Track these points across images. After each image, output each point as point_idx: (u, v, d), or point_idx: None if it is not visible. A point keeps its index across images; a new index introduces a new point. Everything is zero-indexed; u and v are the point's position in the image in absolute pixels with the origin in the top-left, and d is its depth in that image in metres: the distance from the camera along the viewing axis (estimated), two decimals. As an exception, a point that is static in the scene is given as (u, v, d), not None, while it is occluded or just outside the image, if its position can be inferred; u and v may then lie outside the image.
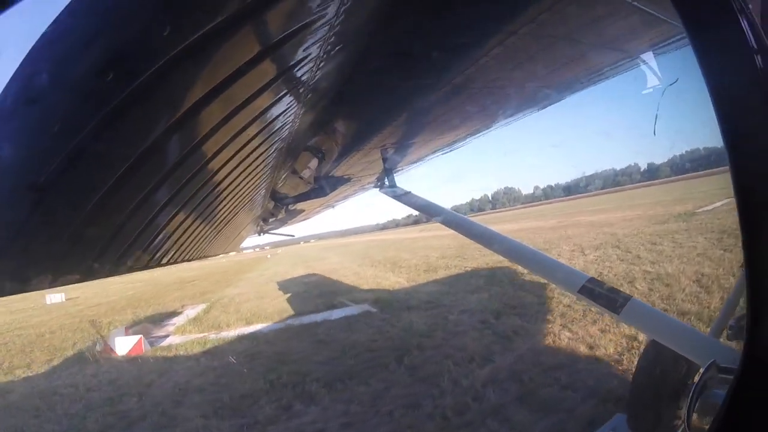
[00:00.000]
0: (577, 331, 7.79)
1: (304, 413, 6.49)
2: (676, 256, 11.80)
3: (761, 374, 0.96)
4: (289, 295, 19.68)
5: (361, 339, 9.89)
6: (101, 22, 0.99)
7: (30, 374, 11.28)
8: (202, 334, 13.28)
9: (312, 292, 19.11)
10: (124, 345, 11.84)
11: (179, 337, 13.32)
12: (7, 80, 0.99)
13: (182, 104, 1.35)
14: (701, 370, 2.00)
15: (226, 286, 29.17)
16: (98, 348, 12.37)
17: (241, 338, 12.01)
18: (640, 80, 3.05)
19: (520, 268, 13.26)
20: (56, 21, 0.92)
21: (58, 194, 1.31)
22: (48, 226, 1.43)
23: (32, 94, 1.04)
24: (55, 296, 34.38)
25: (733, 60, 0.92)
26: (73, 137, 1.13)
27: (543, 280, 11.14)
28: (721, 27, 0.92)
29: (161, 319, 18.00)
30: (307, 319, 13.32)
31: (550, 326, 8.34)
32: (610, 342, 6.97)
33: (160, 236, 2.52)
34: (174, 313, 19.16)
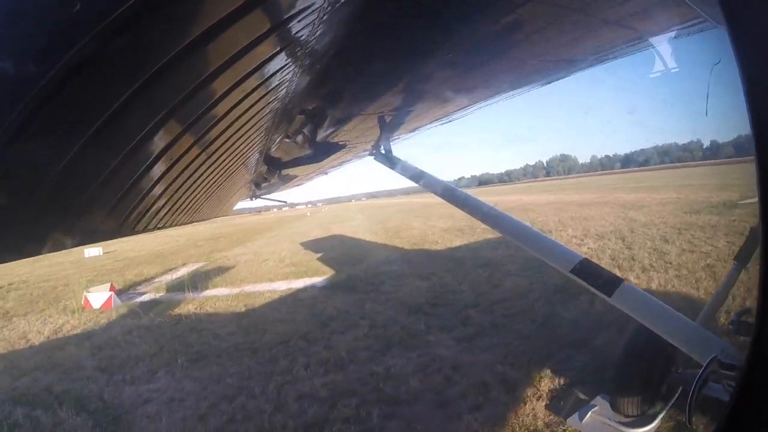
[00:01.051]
0: (462, 357, 6.86)
1: (158, 380, 7.58)
2: (676, 265, 10.08)
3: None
4: (277, 258, 21.20)
5: (270, 318, 10.46)
6: None
7: (21, 322, 13.14)
8: (166, 294, 15.10)
9: (294, 258, 20.38)
10: (98, 301, 13.75)
11: (149, 296, 15.29)
12: None
13: (170, 48, 1.21)
14: (703, 365, 2.01)
15: (239, 245, 32.03)
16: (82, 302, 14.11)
17: (188, 303, 13.27)
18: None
19: (497, 254, 13.55)
20: None
21: (22, 151, 1.20)
22: (12, 188, 1.33)
23: None
24: (93, 250, 37.44)
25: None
26: (38, 85, 1.01)
27: (503, 274, 11.19)
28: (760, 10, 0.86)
29: (156, 276, 20.13)
30: (257, 287, 14.50)
31: (442, 341, 7.67)
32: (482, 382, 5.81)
33: (145, 200, 2.43)
34: (170, 271, 21.36)
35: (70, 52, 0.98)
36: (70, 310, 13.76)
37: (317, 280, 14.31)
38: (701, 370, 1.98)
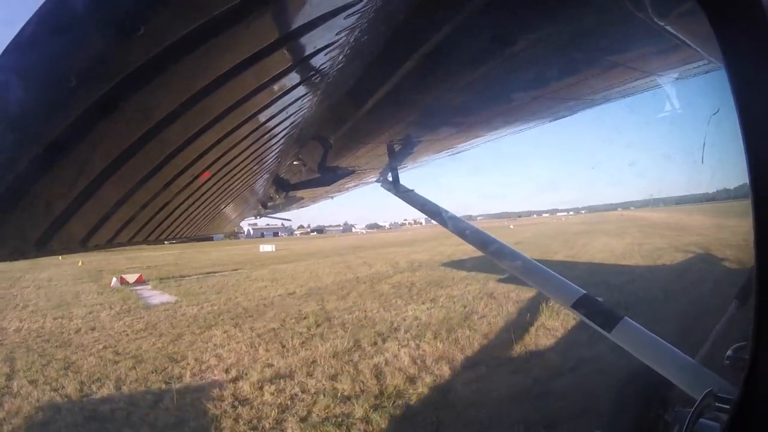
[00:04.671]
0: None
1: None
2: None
3: (761, 404, 0.97)
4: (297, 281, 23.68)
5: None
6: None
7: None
8: (148, 288, 22.75)
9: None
10: (113, 282, 23.72)
11: (141, 286, 23.48)
12: None
13: (201, 79, 1.31)
14: (698, 398, 2.02)
15: (325, 257, 37.37)
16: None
17: (143, 298, 19.36)
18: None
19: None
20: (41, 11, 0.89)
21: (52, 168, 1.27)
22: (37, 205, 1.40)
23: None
24: (267, 247, 54.70)
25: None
26: (77, 105, 1.09)
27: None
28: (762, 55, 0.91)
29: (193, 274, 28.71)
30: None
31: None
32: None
33: (160, 214, 2.52)
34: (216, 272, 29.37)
35: (119, 78, 1.06)
36: (103, 284, 24.06)
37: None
38: (696, 404, 1.99)
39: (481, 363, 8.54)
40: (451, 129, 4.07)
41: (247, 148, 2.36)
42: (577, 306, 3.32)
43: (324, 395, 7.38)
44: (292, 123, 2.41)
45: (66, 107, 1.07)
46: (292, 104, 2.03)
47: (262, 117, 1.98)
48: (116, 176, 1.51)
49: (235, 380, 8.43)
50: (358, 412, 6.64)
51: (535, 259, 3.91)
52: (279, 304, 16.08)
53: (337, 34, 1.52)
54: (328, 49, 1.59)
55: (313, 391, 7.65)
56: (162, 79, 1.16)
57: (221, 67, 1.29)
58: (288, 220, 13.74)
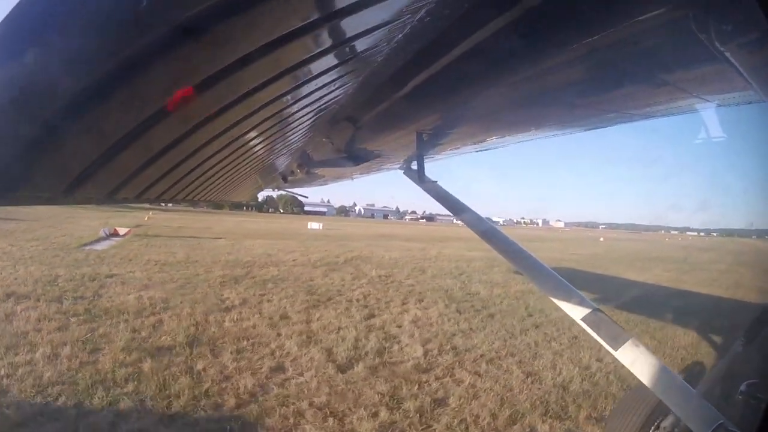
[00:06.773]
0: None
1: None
2: None
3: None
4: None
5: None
6: None
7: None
8: (116, 240, 27.05)
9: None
10: (102, 233, 28.75)
11: (122, 237, 28.86)
12: None
13: (242, 49, 1.28)
14: (697, 430, 2.01)
15: (316, 240, 38.97)
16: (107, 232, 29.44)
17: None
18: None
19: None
20: None
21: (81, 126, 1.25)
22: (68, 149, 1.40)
23: None
24: (315, 225, 58.41)
25: None
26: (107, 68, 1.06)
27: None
28: None
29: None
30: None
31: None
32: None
33: (189, 175, 2.56)
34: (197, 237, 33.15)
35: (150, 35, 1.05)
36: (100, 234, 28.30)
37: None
38: None
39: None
40: (483, 124, 4.03)
41: (282, 119, 2.37)
42: (586, 320, 3.33)
43: None
44: (332, 99, 2.41)
45: (107, 56, 1.06)
46: (335, 80, 2.03)
47: (303, 90, 1.98)
48: (153, 131, 1.52)
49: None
50: None
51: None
52: (125, 268, 17.60)
53: (396, 13, 1.50)
54: (385, 28, 1.58)
55: None
56: (211, 39, 1.15)
57: (270, 34, 1.27)
58: (305, 197, 13.86)
